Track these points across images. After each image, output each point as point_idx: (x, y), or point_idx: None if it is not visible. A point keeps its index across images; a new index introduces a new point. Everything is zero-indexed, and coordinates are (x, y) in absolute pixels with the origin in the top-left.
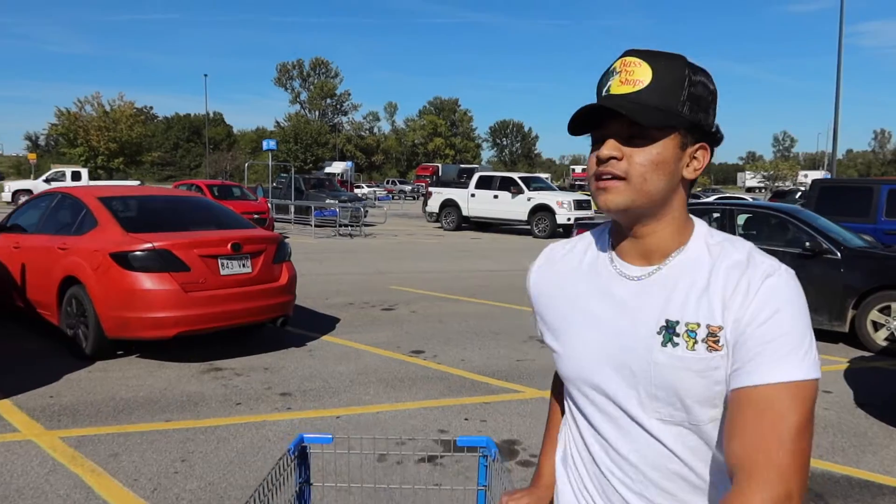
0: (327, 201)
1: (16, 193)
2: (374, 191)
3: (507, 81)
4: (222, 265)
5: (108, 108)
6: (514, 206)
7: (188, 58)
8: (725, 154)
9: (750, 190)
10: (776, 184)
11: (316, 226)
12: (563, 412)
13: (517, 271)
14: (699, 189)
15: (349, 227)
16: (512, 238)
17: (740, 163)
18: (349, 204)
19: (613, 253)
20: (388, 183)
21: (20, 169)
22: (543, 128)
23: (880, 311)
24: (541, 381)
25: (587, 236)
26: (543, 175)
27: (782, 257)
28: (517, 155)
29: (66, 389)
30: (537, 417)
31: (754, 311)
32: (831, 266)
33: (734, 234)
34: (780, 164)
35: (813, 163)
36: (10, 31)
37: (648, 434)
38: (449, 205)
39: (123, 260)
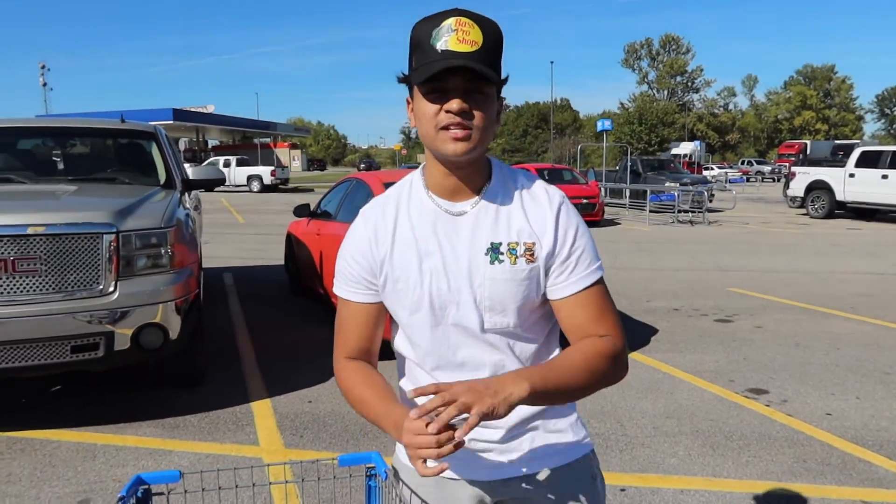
0: (666, 184)
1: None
2: (726, 172)
3: None
4: None
5: None
6: None
7: (538, 49)
8: None
9: None
10: None
11: (651, 211)
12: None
13: None
14: None
15: (689, 213)
16: None
17: None
18: (691, 187)
19: (432, 194)
20: (742, 164)
21: (394, 159)
22: None
23: None
24: None
25: (394, 192)
26: None
27: None
28: None
29: (327, 394)
30: None
31: (562, 233)
32: None
33: None
34: None
35: None
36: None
37: (486, 343)
38: (818, 187)
39: None
